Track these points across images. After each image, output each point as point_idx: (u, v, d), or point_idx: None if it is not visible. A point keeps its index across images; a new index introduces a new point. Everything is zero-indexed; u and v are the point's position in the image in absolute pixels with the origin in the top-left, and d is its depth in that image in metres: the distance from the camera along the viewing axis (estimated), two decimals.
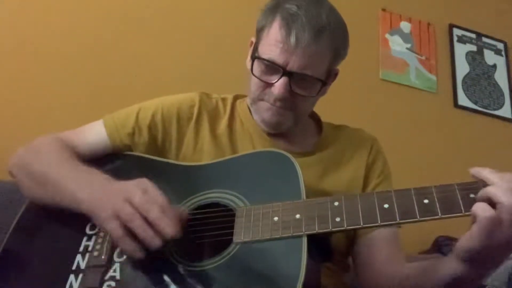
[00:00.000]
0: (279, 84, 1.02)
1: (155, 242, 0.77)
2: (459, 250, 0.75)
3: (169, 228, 0.77)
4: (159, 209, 0.78)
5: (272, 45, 1.02)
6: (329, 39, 1.02)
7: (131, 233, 0.79)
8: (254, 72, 1.06)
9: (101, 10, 1.91)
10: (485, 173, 0.75)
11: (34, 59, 1.77)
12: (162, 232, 0.77)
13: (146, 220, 0.78)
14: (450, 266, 0.79)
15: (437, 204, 0.75)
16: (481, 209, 0.71)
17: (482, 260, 0.75)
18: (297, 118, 1.10)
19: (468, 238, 0.73)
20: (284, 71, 1.01)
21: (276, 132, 1.12)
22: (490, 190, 0.72)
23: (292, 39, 0.99)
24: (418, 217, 0.76)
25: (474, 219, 0.72)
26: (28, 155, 1.03)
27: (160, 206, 0.79)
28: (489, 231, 0.70)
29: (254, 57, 1.06)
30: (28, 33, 1.79)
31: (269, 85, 1.04)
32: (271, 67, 1.03)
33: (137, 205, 0.79)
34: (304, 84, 1.04)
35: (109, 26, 1.91)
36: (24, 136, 1.07)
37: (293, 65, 1.00)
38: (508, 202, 0.70)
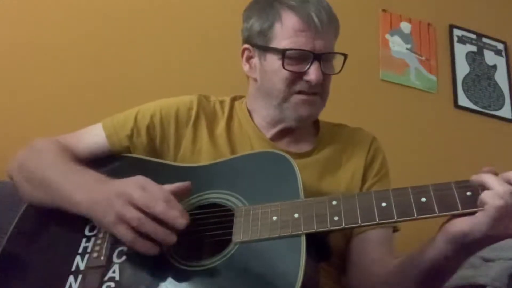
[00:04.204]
0: (314, 69, 1.03)
1: (169, 239, 0.79)
2: (454, 232, 0.74)
3: (179, 219, 0.78)
4: (163, 203, 0.79)
5: (293, 36, 1.04)
6: (335, 16, 1.09)
7: (141, 233, 0.79)
8: (285, 67, 1.04)
9: (101, 12, 1.92)
10: (485, 177, 0.75)
11: (34, 60, 1.77)
12: (173, 226, 0.78)
13: (153, 218, 0.78)
14: (435, 246, 0.78)
15: (434, 202, 0.76)
16: (490, 197, 0.71)
17: (470, 246, 0.74)
18: (323, 104, 1.12)
19: (469, 223, 0.72)
20: (314, 56, 1.03)
21: (304, 125, 1.13)
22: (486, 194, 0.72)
23: (316, 22, 1.02)
24: (415, 215, 0.76)
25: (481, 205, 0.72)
26: (27, 157, 1.03)
27: (163, 199, 0.79)
28: (496, 220, 0.70)
29: (282, 52, 1.04)
30: (28, 33, 1.79)
31: (301, 74, 1.05)
32: (299, 57, 1.04)
33: (140, 205, 0.79)
34: (329, 63, 1.08)
35: (109, 28, 1.91)
36: (24, 137, 1.07)
37: (320, 47, 1.04)
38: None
